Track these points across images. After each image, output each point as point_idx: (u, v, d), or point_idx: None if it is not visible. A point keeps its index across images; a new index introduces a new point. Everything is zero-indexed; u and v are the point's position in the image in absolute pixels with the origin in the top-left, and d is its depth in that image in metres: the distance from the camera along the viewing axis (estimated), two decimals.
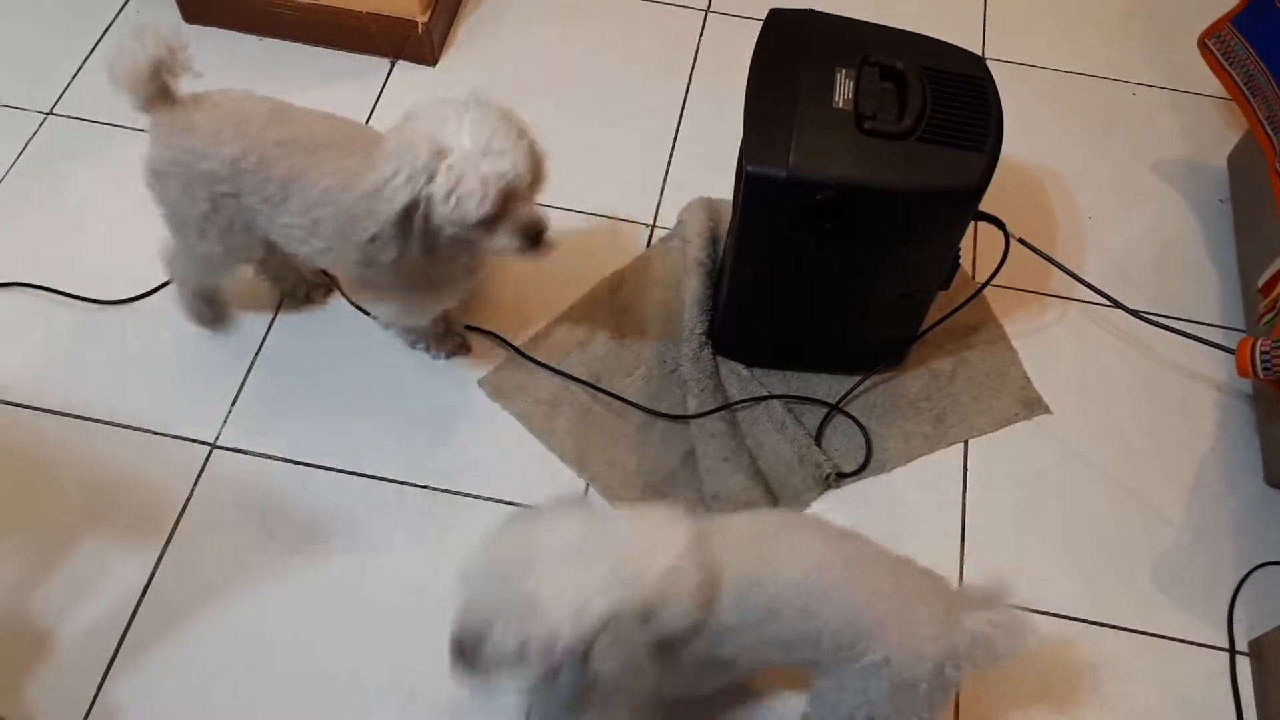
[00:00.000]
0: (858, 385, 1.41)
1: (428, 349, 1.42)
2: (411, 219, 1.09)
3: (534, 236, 1.12)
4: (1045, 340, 1.49)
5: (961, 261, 1.30)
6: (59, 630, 1.22)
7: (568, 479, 1.34)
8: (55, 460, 1.33)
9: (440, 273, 1.20)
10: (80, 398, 1.37)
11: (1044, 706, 1.22)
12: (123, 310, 1.46)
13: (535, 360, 1.42)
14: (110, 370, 1.41)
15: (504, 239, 1.11)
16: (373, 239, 1.10)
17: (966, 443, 1.39)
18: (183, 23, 1.76)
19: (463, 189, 1.05)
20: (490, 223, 1.09)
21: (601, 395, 1.40)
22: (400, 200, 1.06)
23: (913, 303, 1.34)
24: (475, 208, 1.06)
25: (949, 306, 1.39)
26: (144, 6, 1.77)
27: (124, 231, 1.52)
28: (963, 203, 1.17)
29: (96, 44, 1.72)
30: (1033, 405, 1.43)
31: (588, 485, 1.34)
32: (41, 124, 1.63)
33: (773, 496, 1.32)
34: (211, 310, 1.43)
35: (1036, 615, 1.27)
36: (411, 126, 1.08)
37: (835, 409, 1.40)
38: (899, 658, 0.95)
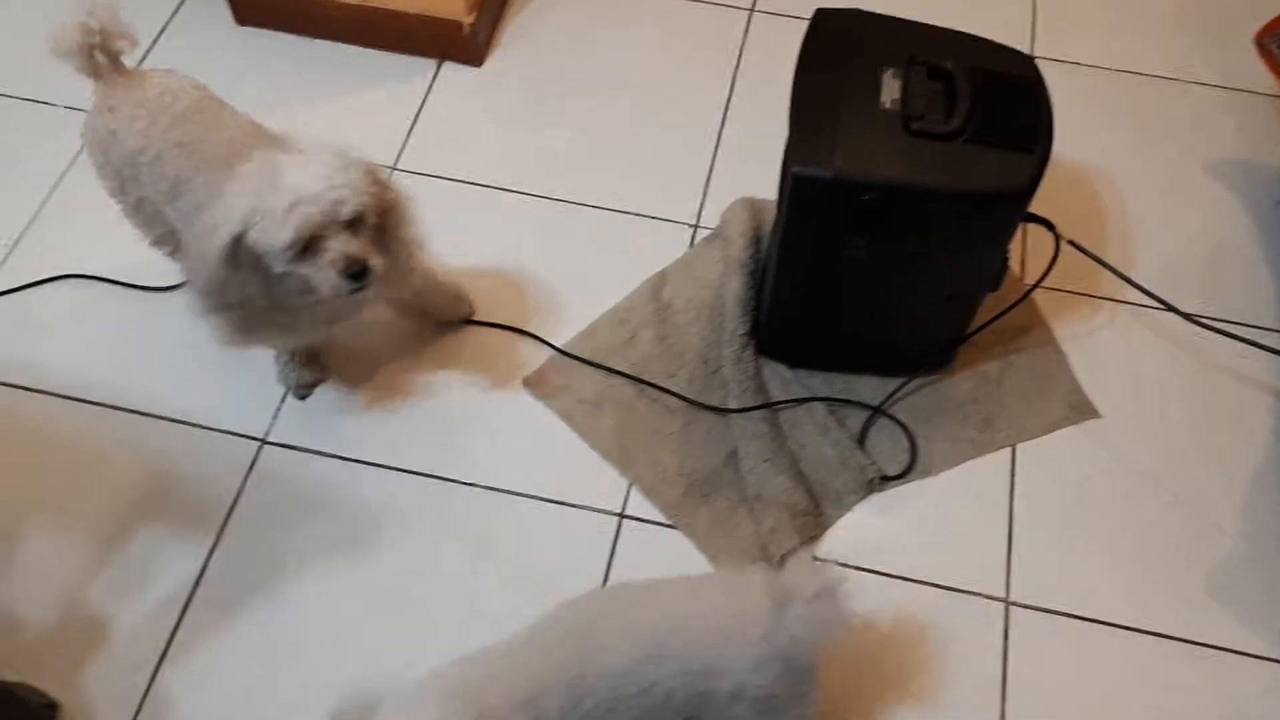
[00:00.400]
0: (902, 387, 1.40)
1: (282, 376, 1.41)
2: (239, 251, 1.07)
3: (353, 273, 1.08)
4: (1095, 344, 1.47)
5: (1010, 263, 1.28)
6: (115, 620, 1.24)
7: (611, 478, 1.35)
8: (111, 453, 1.36)
9: (287, 312, 1.17)
10: (134, 392, 1.40)
11: (1093, 717, 1.20)
12: (174, 300, 1.48)
13: (577, 357, 1.43)
14: (163, 366, 1.43)
15: (321, 272, 1.08)
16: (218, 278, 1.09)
17: (1014, 447, 1.38)
18: (235, 24, 1.79)
19: (268, 213, 1.04)
20: (304, 254, 1.07)
21: (644, 395, 1.40)
22: (221, 237, 1.06)
23: (960, 305, 1.33)
24: (277, 233, 1.04)
25: (997, 308, 1.37)
26: (196, 9, 1.81)
27: None
28: (1011, 204, 1.15)
29: (151, 47, 1.76)
30: (1082, 410, 1.40)
31: (630, 485, 1.34)
32: None
33: (814, 499, 1.31)
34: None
35: (1083, 623, 1.25)
36: (254, 168, 1.07)
37: (879, 411, 1.39)
38: (745, 677, 0.95)
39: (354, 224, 1.08)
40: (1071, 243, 1.32)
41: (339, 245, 1.07)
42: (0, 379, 1.42)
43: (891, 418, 1.39)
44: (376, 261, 1.10)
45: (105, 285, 1.50)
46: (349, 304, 1.21)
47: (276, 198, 1.04)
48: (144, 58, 1.75)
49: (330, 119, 1.67)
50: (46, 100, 1.70)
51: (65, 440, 1.38)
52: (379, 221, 1.12)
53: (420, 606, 1.26)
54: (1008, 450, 1.38)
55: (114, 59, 1.21)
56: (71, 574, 1.28)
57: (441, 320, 1.47)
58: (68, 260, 1.53)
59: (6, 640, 1.23)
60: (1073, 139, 1.63)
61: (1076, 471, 1.36)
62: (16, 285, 1.50)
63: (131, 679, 1.21)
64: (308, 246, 1.06)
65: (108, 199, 1.44)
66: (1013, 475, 1.36)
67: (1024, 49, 1.74)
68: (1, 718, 1.13)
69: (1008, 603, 1.27)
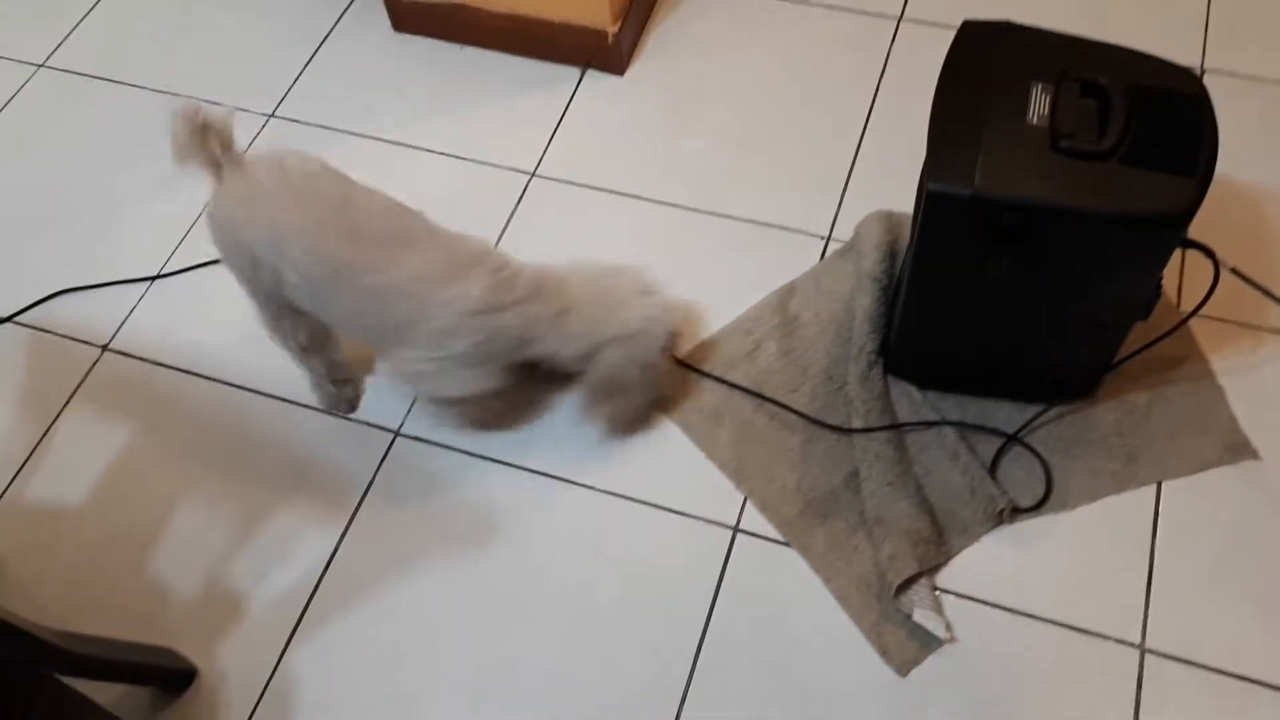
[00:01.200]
0: (1040, 415, 1.34)
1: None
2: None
3: None
4: (1257, 379, 1.36)
5: (1164, 289, 1.21)
6: (252, 595, 1.32)
7: (727, 490, 1.34)
8: (259, 436, 1.45)
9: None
10: (283, 381, 1.48)
11: None
12: None
13: (696, 369, 1.43)
14: None
15: None
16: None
17: (1159, 485, 1.30)
18: (392, 31, 1.87)
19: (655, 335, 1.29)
20: None
21: (763, 410, 1.39)
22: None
23: (1107, 332, 1.26)
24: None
25: (1148, 337, 1.29)
26: (358, 14, 1.90)
27: None
28: (1166, 230, 1.09)
29: (314, 53, 1.86)
30: (1239, 449, 1.31)
31: (745, 499, 1.33)
32: (264, 125, 1.78)
33: (938, 527, 1.27)
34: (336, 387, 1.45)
35: (1227, 678, 1.17)
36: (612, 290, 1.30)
37: (1014, 439, 1.33)
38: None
39: None
40: (1234, 270, 1.23)
41: None
42: (167, 361, 1.53)
43: (1027, 446, 1.33)
44: None
45: None
46: None
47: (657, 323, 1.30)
48: (308, 61, 1.85)
49: (476, 123, 1.73)
50: (215, 100, 1.82)
51: (221, 420, 1.47)
52: None
53: (533, 607, 1.29)
54: (1153, 488, 1.29)
55: (222, 152, 1.19)
56: (217, 549, 1.36)
57: None
58: None
59: (156, 607, 1.32)
60: (1242, 159, 1.52)
61: (1229, 515, 1.27)
62: (190, 265, 1.61)
63: (263, 653, 1.28)
64: None
65: None
66: (1156, 514, 1.28)
67: (1194, 62, 1.65)
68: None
69: (1143, 650, 1.19)
